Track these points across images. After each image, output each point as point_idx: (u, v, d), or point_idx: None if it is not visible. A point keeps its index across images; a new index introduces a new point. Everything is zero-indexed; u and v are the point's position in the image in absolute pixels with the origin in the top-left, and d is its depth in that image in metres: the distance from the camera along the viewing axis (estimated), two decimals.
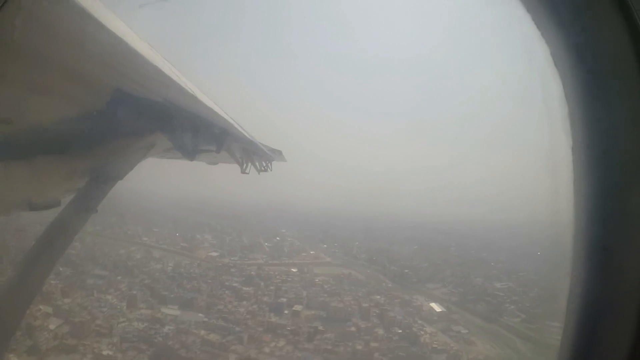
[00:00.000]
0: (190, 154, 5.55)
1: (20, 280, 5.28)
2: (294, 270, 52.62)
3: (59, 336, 33.76)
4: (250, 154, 8.64)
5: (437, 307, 46.59)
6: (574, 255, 2.13)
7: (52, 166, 4.52)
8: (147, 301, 41.74)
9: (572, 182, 2.11)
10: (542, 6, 2.06)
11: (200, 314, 40.67)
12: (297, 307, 42.98)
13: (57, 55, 2.95)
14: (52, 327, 34.20)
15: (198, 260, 52.13)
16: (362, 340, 38.41)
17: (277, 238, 63.52)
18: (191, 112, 5.17)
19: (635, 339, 1.84)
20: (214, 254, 54.57)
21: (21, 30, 2.47)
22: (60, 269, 40.22)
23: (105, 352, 33.71)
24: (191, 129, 5.36)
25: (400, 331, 40.24)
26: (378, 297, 46.97)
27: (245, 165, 8.44)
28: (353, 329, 39.98)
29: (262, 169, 9.54)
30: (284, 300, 44.20)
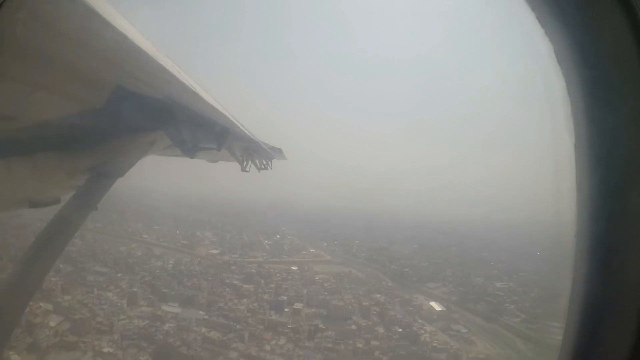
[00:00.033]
0: (191, 151, 5.55)
1: (20, 277, 5.28)
2: (294, 268, 52.68)
3: (60, 333, 33.80)
4: (251, 152, 8.63)
5: (437, 306, 46.64)
6: (576, 254, 2.12)
7: (54, 163, 4.52)
8: (147, 298, 41.81)
9: (575, 181, 2.10)
10: (546, 4, 2.05)
11: (201, 312, 40.75)
12: (298, 305, 43.05)
13: (59, 52, 2.94)
14: (52, 324, 34.25)
15: (198, 258, 52.22)
16: (363, 338, 38.48)
17: (277, 236, 63.59)
18: (192, 110, 5.16)
19: (637, 339, 1.84)
20: (214, 251, 54.65)
21: (23, 27, 2.46)
22: (61, 266, 40.32)
23: (105, 350, 33.75)
24: (192, 127, 5.36)
25: (400, 330, 40.31)
26: (378, 295, 47.03)
27: (245, 163, 8.43)
28: (354, 327, 40.06)
29: (262, 167, 9.53)
30: (285, 298, 44.28)
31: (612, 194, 1.98)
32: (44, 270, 5.63)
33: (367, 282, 51.74)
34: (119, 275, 44.75)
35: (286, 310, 42.38)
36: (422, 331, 40.79)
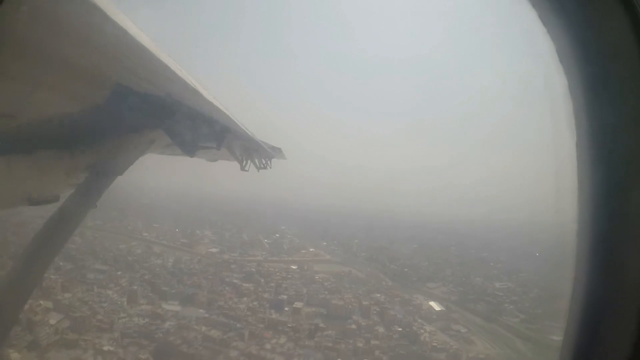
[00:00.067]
0: (191, 150, 5.54)
1: (19, 274, 5.27)
2: (293, 267, 52.70)
3: (60, 331, 33.78)
4: (251, 151, 8.62)
5: (436, 306, 46.67)
6: (577, 254, 2.12)
7: (54, 161, 4.51)
8: (147, 297, 41.81)
9: (576, 180, 2.10)
10: (548, 3, 2.04)
11: (201, 310, 40.76)
12: (298, 304, 43.07)
13: (60, 50, 2.93)
14: (52, 322, 34.23)
15: (198, 256, 52.24)
16: (363, 338, 38.51)
17: (277, 235, 63.61)
18: (193, 108, 5.15)
19: (638, 338, 1.83)
20: (214, 250, 54.68)
21: (23, 24, 2.45)
22: (61, 263, 40.33)
23: (106, 348, 33.69)
24: (192, 125, 5.34)
25: (400, 329, 40.34)
26: (378, 295, 47.07)
27: (245, 162, 8.42)
28: (354, 326, 40.08)
29: (262, 166, 9.52)
30: (285, 297, 44.30)
31: (614, 193, 1.97)
32: (43, 267, 5.63)
33: (367, 282, 51.76)
34: (119, 273, 44.75)
35: (286, 309, 42.41)
36: (422, 331, 40.81)
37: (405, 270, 55.40)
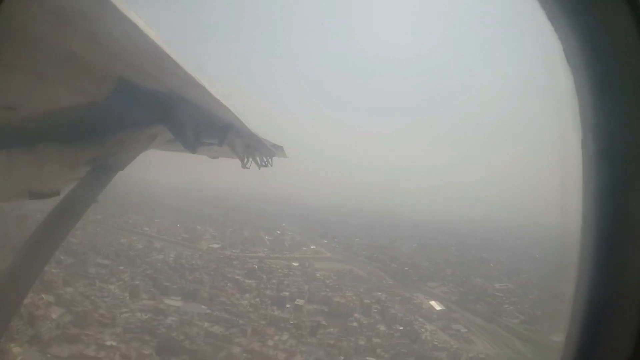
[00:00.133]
0: (193, 146, 5.52)
1: (18, 268, 5.27)
2: (295, 264, 52.81)
3: (61, 326, 33.88)
4: (252, 149, 8.59)
5: (436, 306, 46.72)
6: (580, 253, 2.11)
7: (55, 155, 4.50)
8: (149, 292, 41.92)
9: (581, 179, 2.09)
10: (557, 2, 2.04)
11: (203, 306, 40.86)
12: (299, 302, 43.17)
13: (65, 43, 2.92)
14: (54, 316, 34.34)
15: (200, 252, 52.35)
16: (365, 336, 38.60)
17: (278, 232, 63.70)
18: (196, 104, 5.13)
19: (639, 339, 1.82)
20: (215, 245, 54.79)
21: (30, 16, 2.44)
22: (62, 257, 40.46)
23: (108, 343, 33.71)
24: (195, 121, 5.33)
25: (401, 328, 40.41)
26: (379, 293, 47.14)
27: (246, 160, 8.40)
28: (355, 324, 40.17)
29: (263, 164, 9.49)
30: (287, 294, 44.39)
31: (620, 192, 1.97)
32: (44, 261, 5.63)
33: (368, 280, 51.85)
34: (121, 268, 44.86)
35: (288, 306, 42.50)
36: (423, 330, 40.88)
37: (406, 269, 55.43)
